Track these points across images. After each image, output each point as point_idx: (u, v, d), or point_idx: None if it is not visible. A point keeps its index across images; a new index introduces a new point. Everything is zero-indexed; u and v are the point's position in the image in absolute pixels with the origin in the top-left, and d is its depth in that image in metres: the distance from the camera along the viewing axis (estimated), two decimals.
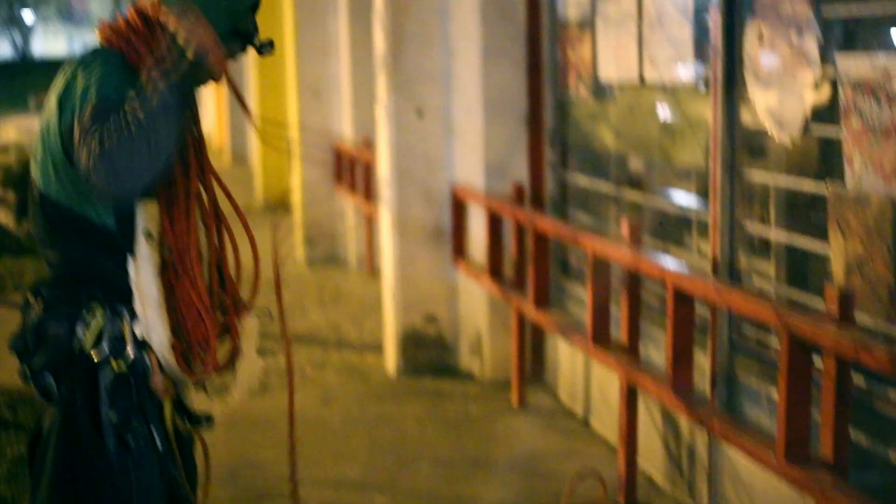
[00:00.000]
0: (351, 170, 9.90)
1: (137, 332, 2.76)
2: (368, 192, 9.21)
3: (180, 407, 2.91)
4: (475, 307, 6.48)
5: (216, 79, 2.67)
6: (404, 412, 5.98)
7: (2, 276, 9.63)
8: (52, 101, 2.78)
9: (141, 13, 2.86)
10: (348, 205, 10.17)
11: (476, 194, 6.24)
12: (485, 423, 5.75)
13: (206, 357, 2.79)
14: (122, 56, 2.80)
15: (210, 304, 2.81)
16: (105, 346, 2.73)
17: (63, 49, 58.17)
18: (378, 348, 7.12)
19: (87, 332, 2.74)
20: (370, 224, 9.42)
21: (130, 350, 2.75)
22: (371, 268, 9.48)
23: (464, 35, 6.35)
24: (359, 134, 9.64)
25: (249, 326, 2.96)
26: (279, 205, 13.16)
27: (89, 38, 43.40)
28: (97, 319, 2.75)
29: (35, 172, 2.81)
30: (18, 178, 11.53)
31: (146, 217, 2.74)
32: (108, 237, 2.76)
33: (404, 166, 6.62)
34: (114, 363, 2.73)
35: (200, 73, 2.60)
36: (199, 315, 2.78)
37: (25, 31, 66.44)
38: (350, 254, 10.21)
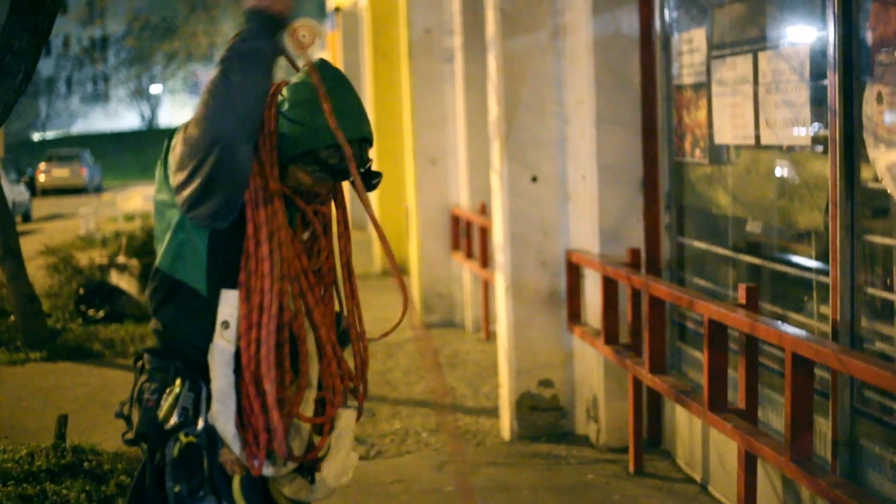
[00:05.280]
0: (468, 235, 9.98)
1: (211, 411, 2.80)
2: (485, 257, 9.27)
3: (265, 494, 2.92)
4: (591, 372, 6.44)
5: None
6: (519, 478, 5.94)
7: (124, 341, 9.89)
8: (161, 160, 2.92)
9: None
10: (465, 270, 10.23)
11: (591, 259, 6.23)
12: (601, 490, 5.69)
13: (260, 452, 2.79)
14: None
15: (275, 400, 2.79)
16: (176, 416, 2.80)
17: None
18: (494, 412, 7.12)
19: (165, 402, 2.82)
20: (486, 289, 9.47)
21: (201, 423, 2.80)
22: (487, 332, 9.51)
23: (578, 101, 6.38)
24: (475, 200, 9.72)
25: (345, 420, 2.96)
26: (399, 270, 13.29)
27: None
28: (175, 391, 2.82)
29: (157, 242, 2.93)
30: (142, 246, 11.92)
31: (226, 309, 2.79)
32: (201, 305, 2.83)
33: (519, 232, 6.65)
34: (182, 436, 2.80)
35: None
36: (260, 408, 2.79)
37: (153, 103, 68.64)
38: (467, 318, 10.25)
